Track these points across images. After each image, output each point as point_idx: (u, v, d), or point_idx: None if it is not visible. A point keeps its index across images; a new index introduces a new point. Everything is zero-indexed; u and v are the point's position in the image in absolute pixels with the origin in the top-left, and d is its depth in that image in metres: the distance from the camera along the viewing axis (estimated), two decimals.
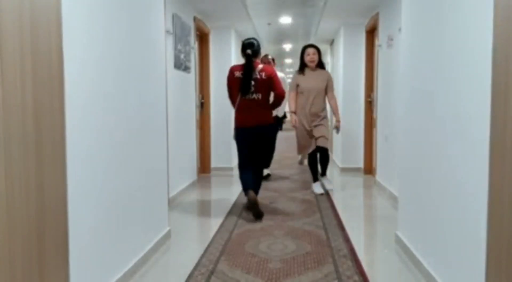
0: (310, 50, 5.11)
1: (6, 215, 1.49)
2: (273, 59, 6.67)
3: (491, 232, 1.82)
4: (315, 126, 5.05)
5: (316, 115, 5.04)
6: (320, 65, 5.15)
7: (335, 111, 5.17)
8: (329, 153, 5.33)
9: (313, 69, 5.12)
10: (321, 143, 5.04)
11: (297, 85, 5.12)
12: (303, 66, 5.16)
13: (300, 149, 5.22)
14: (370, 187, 5.64)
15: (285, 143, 10.89)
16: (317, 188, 5.14)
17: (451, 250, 2.27)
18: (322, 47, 9.87)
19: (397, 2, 4.34)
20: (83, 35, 2.07)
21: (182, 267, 2.82)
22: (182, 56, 5.08)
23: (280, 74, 5.76)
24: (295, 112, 5.12)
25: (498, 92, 1.77)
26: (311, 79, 5.07)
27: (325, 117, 5.10)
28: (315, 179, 5.24)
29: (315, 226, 3.72)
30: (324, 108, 5.11)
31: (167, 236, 3.34)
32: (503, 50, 1.74)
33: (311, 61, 5.08)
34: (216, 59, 6.82)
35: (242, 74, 3.98)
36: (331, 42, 8.88)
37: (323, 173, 5.37)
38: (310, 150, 5.11)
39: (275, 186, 5.67)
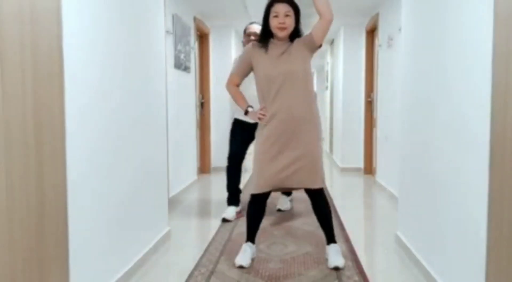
0: (280, 8, 2.69)
1: (6, 215, 1.49)
2: None
3: (491, 232, 1.82)
4: (287, 143, 2.68)
5: (293, 123, 2.68)
6: (294, 34, 2.76)
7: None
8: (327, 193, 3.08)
9: (282, 43, 2.76)
10: (307, 181, 2.71)
11: (251, 68, 2.83)
12: (267, 36, 2.77)
13: (258, 183, 2.75)
14: (370, 187, 5.64)
15: None
16: (241, 259, 2.81)
17: (451, 250, 2.27)
18: (322, 47, 9.88)
19: (397, 2, 4.34)
20: (83, 35, 2.06)
21: (182, 267, 2.82)
22: (182, 56, 5.08)
23: None
24: (251, 107, 2.84)
25: (498, 93, 1.77)
26: (278, 58, 2.71)
27: (312, 125, 2.72)
28: (250, 237, 2.94)
29: (315, 226, 3.72)
30: (310, 109, 2.72)
31: (167, 236, 3.34)
32: (503, 50, 1.74)
33: (281, 28, 2.69)
34: (216, 59, 6.82)
35: None
36: (331, 42, 8.88)
37: (331, 239, 2.86)
38: (269, 189, 2.74)
39: None
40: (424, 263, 2.64)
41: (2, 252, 1.47)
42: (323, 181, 2.78)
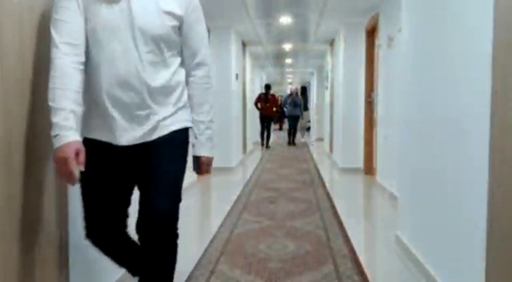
0: None
1: (6, 215, 1.49)
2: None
3: (491, 232, 1.82)
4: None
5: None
6: None
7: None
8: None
9: None
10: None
11: None
12: None
13: None
14: (370, 187, 5.64)
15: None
16: None
17: (451, 250, 2.27)
18: (322, 47, 9.93)
19: (397, 2, 4.34)
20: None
21: (182, 267, 2.81)
22: None
23: None
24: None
25: (498, 92, 1.77)
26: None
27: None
28: None
29: (315, 226, 3.72)
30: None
31: None
32: (502, 49, 1.74)
33: None
34: (216, 59, 6.81)
35: (263, 95, 11.08)
36: (331, 42, 8.88)
37: None
38: None
39: (275, 186, 5.66)
40: (424, 263, 2.64)
41: (1, 252, 1.47)
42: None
